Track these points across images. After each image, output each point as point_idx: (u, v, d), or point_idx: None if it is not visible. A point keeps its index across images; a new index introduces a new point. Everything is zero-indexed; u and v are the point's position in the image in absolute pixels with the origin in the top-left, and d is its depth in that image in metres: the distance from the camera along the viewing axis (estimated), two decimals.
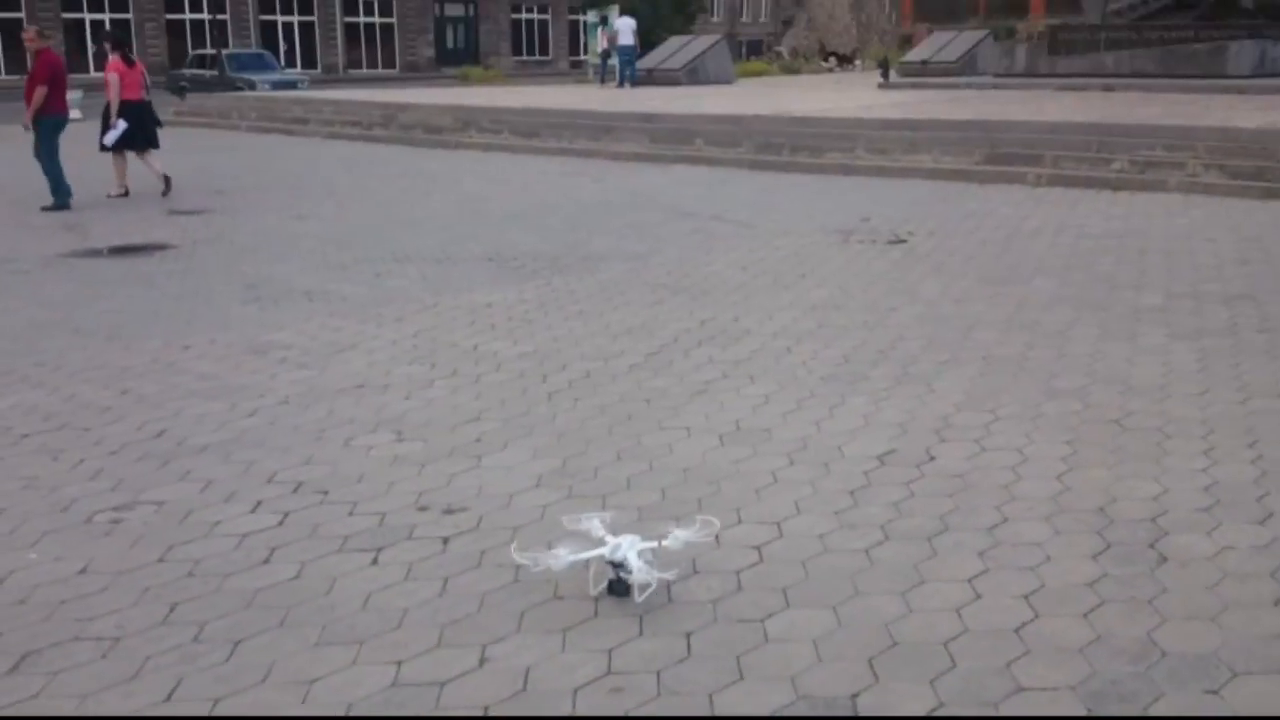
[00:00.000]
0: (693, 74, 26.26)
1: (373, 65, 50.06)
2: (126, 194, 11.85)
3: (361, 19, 50.22)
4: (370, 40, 50.58)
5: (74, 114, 11.96)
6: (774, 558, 3.42)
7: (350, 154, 16.75)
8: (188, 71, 32.08)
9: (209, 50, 33.91)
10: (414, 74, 48.29)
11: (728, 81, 27.05)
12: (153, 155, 12.29)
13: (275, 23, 47.10)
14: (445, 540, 3.56)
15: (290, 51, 46.14)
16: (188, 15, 44.32)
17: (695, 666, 2.82)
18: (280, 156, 16.55)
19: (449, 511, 3.78)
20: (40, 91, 10.84)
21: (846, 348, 5.71)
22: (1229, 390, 4.94)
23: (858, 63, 43.28)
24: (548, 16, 56.79)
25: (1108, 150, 11.94)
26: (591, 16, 34.94)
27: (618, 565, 3.15)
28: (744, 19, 70.01)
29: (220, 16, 38.94)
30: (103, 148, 11.97)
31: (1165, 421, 4.55)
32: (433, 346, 5.83)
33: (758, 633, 2.98)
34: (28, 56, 11.46)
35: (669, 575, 3.18)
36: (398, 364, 5.52)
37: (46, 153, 11.00)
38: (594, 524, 3.28)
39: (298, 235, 9.45)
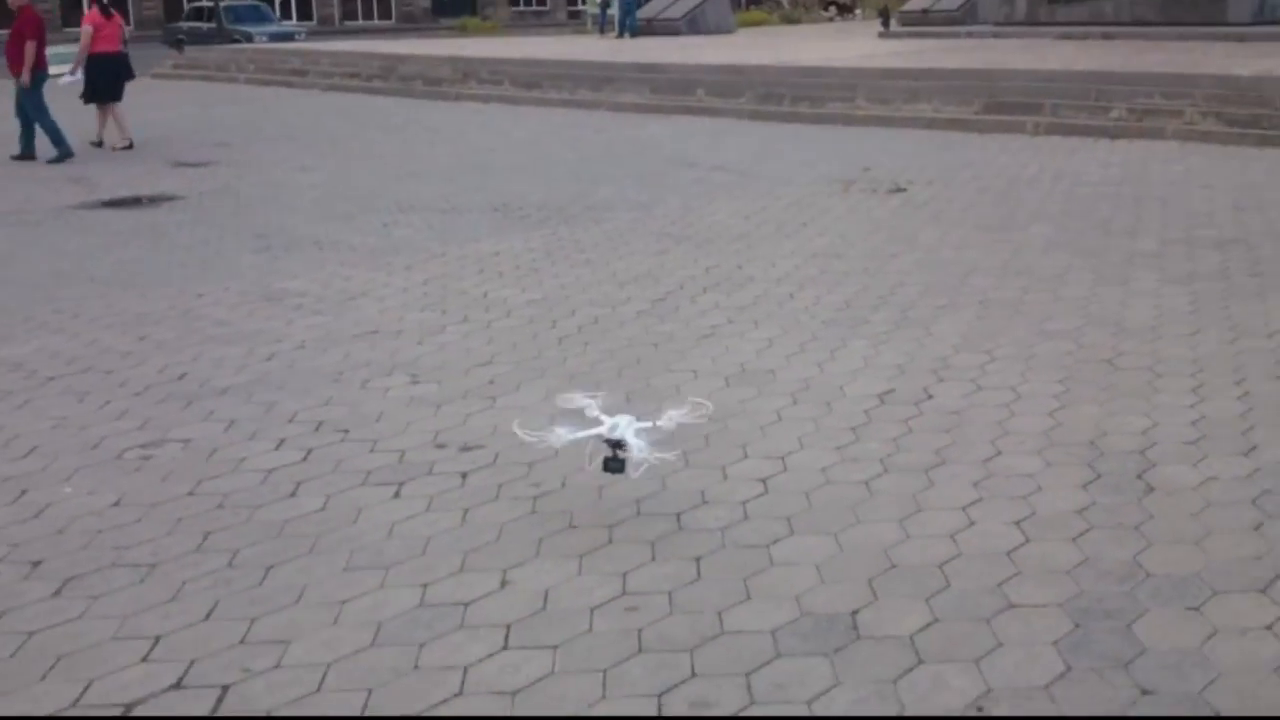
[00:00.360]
0: (693, 23, 26.13)
1: (369, 16, 49.63)
2: (130, 146, 11.94)
3: None
4: None
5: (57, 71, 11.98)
6: (779, 489, 3.58)
7: (350, 106, 16.76)
8: (185, 25, 31.86)
9: (206, 3, 33.63)
10: (410, 25, 47.88)
11: (728, 31, 26.92)
12: (118, 109, 12.22)
13: None
14: (464, 475, 3.72)
15: (286, 3, 45.72)
16: None
17: (705, 587, 2.98)
18: (281, 109, 16.56)
19: (466, 449, 3.93)
20: (31, 47, 10.88)
21: (848, 293, 5.84)
22: (1218, 331, 5.08)
23: (858, 12, 42.97)
24: None
25: (1106, 99, 11.99)
26: None
27: (615, 444, 3.28)
28: None
29: None
30: (84, 100, 12.01)
31: (1156, 361, 4.69)
32: (443, 294, 5.96)
33: (763, 557, 3.14)
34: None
35: (670, 455, 3.33)
36: (409, 310, 5.65)
37: (36, 107, 11.03)
38: (588, 404, 3.42)
39: (303, 186, 9.54)
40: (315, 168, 10.62)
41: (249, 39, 27.87)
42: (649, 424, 3.37)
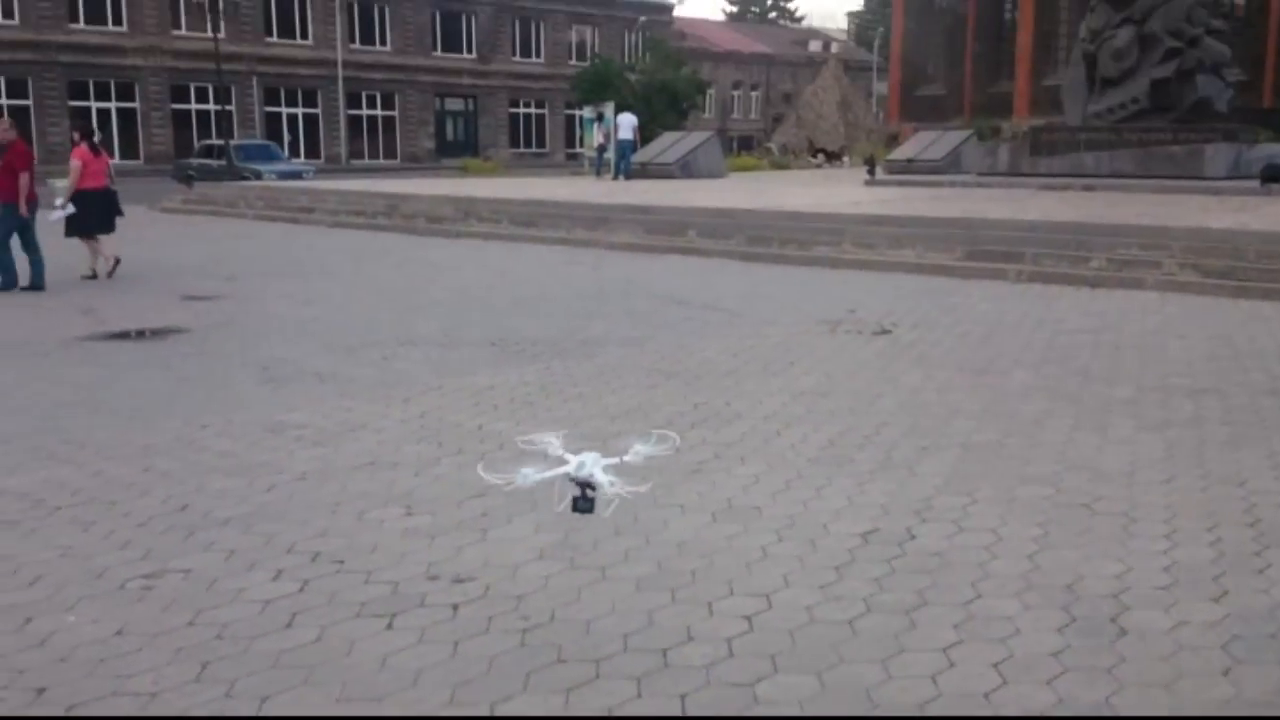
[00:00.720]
0: (686, 168, 27.02)
1: (375, 156, 51.16)
2: (117, 262, 12.36)
3: (364, 111, 51.47)
4: (373, 132, 51.80)
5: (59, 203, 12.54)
6: (763, 626, 3.68)
7: (355, 242, 17.21)
8: (195, 161, 32.81)
9: (216, 141, 34.71)
10: (415, 164, 49.30)
11: (719, 175, 27.81)
12: (105, 240, 12.68)
13: (280, 114, 48.25)
14: (455, 607, 3.81)
15: (295, 142, 47.15)
16: (194, 105, 45.39)
17: None
18: (287, 244, 17.00)
19: (458, 580, 4.03)
20: (25, 178, 11.31)
21: (833, 432, 6.01)
22: (1192, 478, 5.24)
23: (845, 159, 44.36)
24: (545, 111, 58.19)
25: (1086, 249, 12.41)
26: (587, 112, 35.89)
27: (584, 484, 3.32)
28: (735, 115, 71.74)
29: (226, 107, 39.93)
30: (66, 233, 12.48)
31: (1131, 506, 4.84)
32: (439, 426, 6.12)
33: (748, 695, 3.22)
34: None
35: (642, 488, 3.35)
36: (406, 443, 5.80)
37: (4, 233, 11.40)
38: (551, 442, 3.48)
39: (307, 320, 9.79)
40: (319, 302, 10.91)
41: (258, 176, 28.69)
42: (615, 460, 3.41)
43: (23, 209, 11.39)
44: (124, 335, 9.11)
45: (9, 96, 40.99)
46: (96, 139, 13.25)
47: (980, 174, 24.07)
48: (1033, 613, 3.78)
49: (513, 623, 3.68)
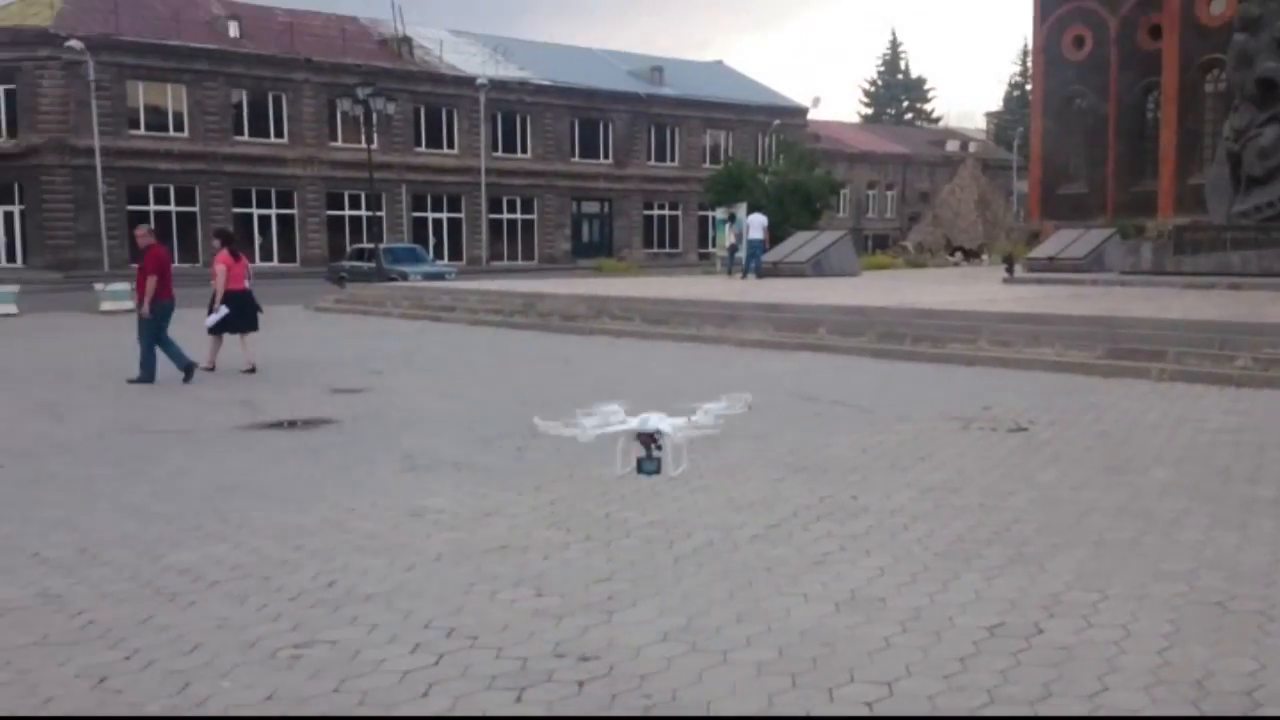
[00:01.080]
0: (818, 266, 27.15)
1: (514, 257, 52.89)
2: (253, 370, 13.19)
3: (505, 215, 53.40)
4: (512, 234, 53.65)
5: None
6: (884, 714, 3.70)
7: (493, 339, 17.85)
8: (347, 264, 34.55)
9: (366, 244, 36.52)
10: (552, 265, 50.77)
11: (853, 274, 27.85)
12: (251, 338, 13.65)
13: (426, 219, 50.50)
14: (580, 684, 3.96)
15: (439, 245, 49.20)
16: (347, 211, 47.90)
17: None
18: (430, 341, 17.73)
19: (584, 659, 4.18)
20: (152, 281, 12.29)
21: (961, 528, 5.98)
22: None
23: (984, 257, 43.84)
24: (678, 213, 59.35)
25: (1232, 347, 12.02)
26: (720, 213, 36.53)
27: (649, 440, 3.28)
28: (870, 214, 71.81)
29: (377, 213, 42.04)
30: (208, 329, 13.45)
31: (1269, 605, 4.69)
32: (569, 513, 6.32)
33: None
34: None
35: (714, 430, 3.24)
36: (537, 528, 6.02)
37: (151, 334, 12.34)
38: (615, 409, 3.41)
39: (446, 412, 10.21)
40: (457, 395, 11.36)
41: (404, 277, 30.02)
42: (683, 420, 3.38)
43: (145, 310, 12.37)
44: (278, 425, 9.66)
45: (178, 203, 43.99)
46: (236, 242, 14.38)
47: (1123, 272, 23.52)
48: (1160, 706, 3.71)
49: (635, 700, 3.79)
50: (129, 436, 9.14)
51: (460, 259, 48.69)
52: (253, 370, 13.22)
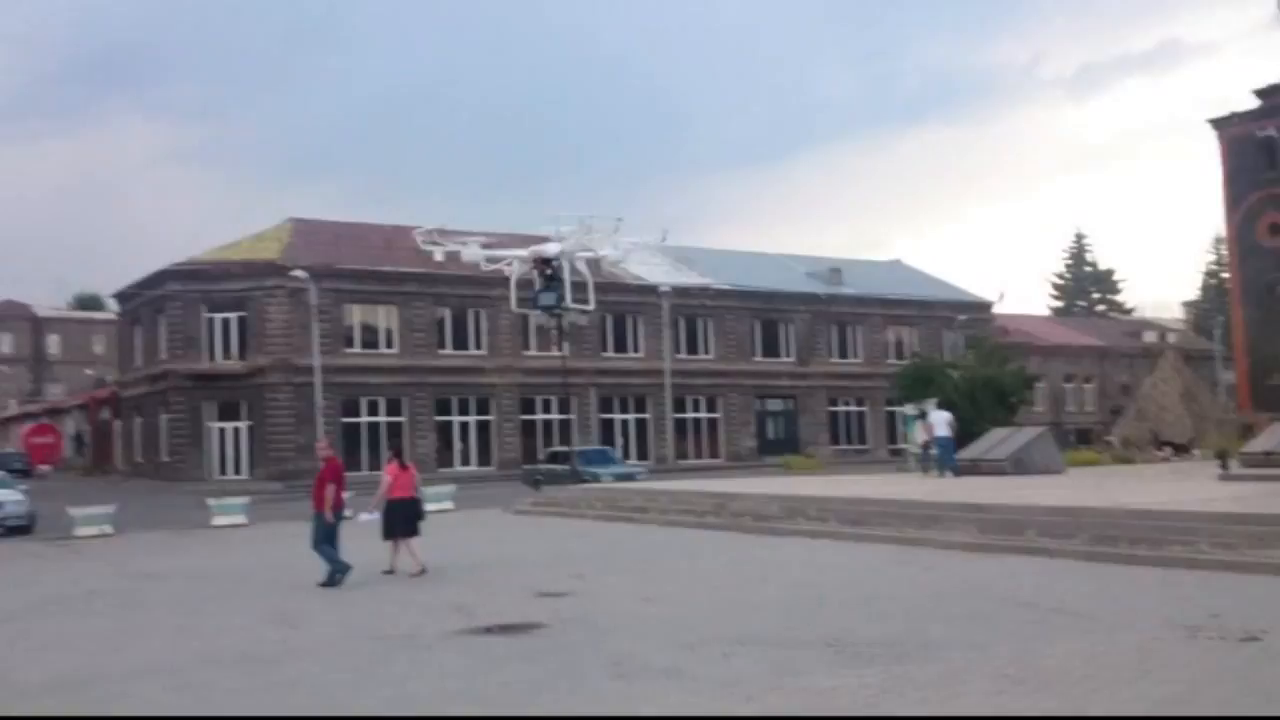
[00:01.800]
0: (1019, 464, 26.35)
1: (699, 455, 53.37)
2: (423, 572, 13.88)
3: (689, 414, 54.27)
4: (697, 433, 54.32)
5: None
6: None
7: (687, 540, 17.99)
8: (542, 466, 35.68)
9: (559, 447, 37.74)
10: (738, 463, 50.93)
11: (1057, 471, 26.86)
12: (413, 543, 14.33)
13: (613, 420, 51.82)
14: None
15: (626, 445, 50.25)
16: (539, 416, 49.72)
17: None
18: (626, 543, 18.02)
19: None
20: (331, 489, 13.39)
21: None
22: None
23: (1194, 452, 41.59)
24: (865, 409, 58.95)
25: None
26: (909, 409, 36.14)
27: (544, 264, 2.82)
28: (1069, 408, 69.54)
29: (568, 417, 43.50)
30: (384, 536, 14.31)
31: None
32: None
33: None
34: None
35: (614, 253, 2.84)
36: None
37: (323, 537, 13.39)
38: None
39: (649, 616, 10.37)
40: (659, 599, 11.51)
41: (597, 479, 30.74)
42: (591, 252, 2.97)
43: (328, 516, 13.45)
44: (490, 630, 9.99)
45: (387, 414, 46.68)
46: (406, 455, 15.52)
47: None
48: None
49: None
50: (359, 642, 9.63)
51: (647, 458, 49.46)
52: (422, 572, 13.91)
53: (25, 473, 45.70)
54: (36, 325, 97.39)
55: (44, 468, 54.43)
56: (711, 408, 55.12)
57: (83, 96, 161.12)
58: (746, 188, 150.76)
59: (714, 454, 54.15)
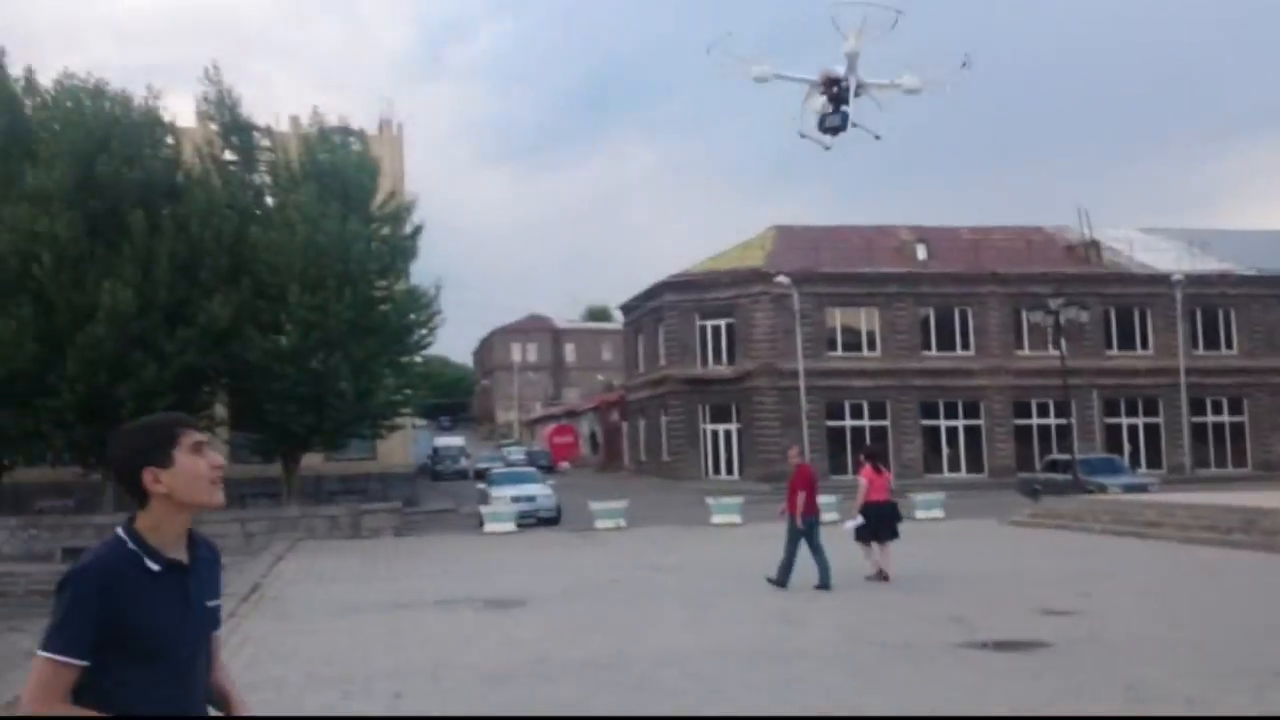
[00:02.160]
0: None
1: (1221, 464, 48.02)
2: (880, 576, 13.87)
3: (1209, 418, 49.03)
4: (1219, 439, 48.88)
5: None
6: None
7: (1207, 560, 16.30)
8: (1040, 475, 33.95)
9: (1059, 455, 35.74)
10: (1268, 473, 45.15)
11: None
12: (890, 546, 14.23)
13: (1119, 425, 48.08)
14: None
15: (1134, 453, 46.43)
16: (1034, 420, 47.33)
17: None
18: (1137, 561, 16.68)
19: None
20: (801, 496, 13.60)
21: None
22: None
23: None
24: None
25: None
26: None
27: (833, 82, 2.50)
28: None
29: (1066, 421, 40.98)
30: (852, 535, 14.45)
31: None
32: None
33: None
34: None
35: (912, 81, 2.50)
36: None
37: (796, 542, 13.60)
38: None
39: (1167, 640, 9.62)
40: (1178, 621, 10.56)
41: (1103, 490, 28.68)
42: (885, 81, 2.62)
43: (798, 521, 13.63)
44: (991, 645, 9.72)
45: (871, 418, 46.79)
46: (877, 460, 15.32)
47: None
48: None
49: None
50: (858, 646, 9.83)
51: (1160, 467, 45.30)
52: (886, 579, 13.82)
53: (549, 469, 51.88)
54: (556, 336, 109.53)
55: (564, 464, 61.58)
56: (1236, 410, 49.36)
57: (590, 125, 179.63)
58: None
59: (1239, 463, 48.40)
